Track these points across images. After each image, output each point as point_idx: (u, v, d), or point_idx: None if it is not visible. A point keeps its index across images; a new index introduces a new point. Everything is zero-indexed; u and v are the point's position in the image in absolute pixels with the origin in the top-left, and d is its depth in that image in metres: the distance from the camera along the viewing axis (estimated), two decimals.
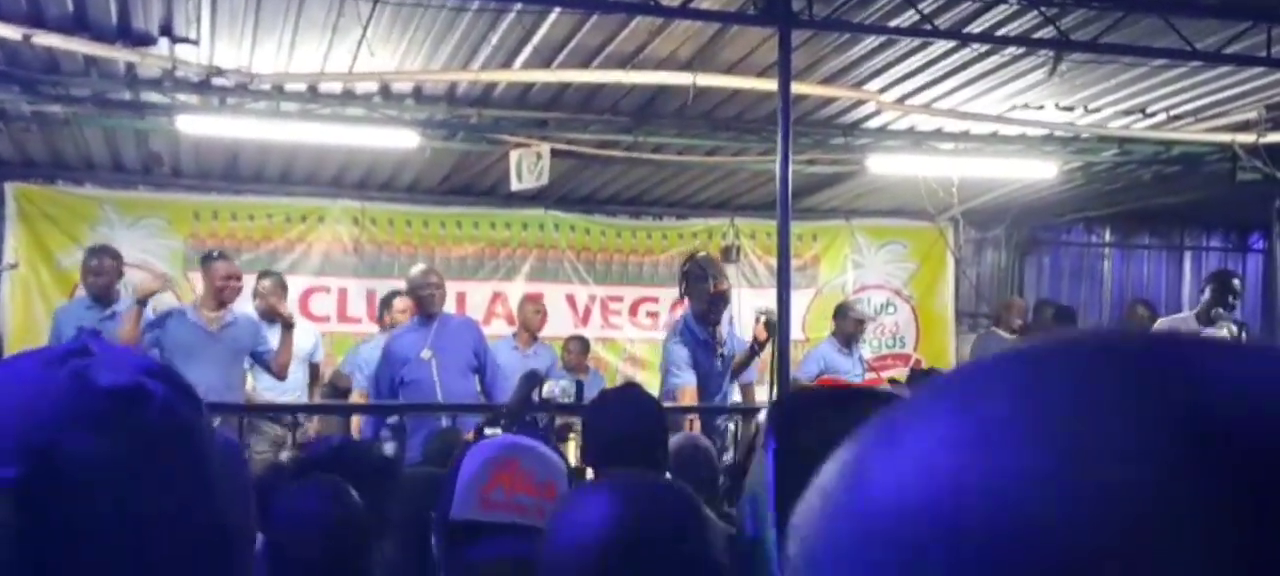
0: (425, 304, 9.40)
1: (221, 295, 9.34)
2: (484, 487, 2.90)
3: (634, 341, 14.03)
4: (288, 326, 9.64)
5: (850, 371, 11.03)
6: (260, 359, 9.49)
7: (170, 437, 1.16)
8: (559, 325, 13.22)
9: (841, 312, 11.40)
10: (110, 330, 8.83)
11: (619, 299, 14.15)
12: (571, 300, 13.89)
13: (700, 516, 2.42)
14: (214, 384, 8.74)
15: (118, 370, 1.15)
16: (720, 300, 8.95)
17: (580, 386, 6.76)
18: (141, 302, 8.93)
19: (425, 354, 9.10)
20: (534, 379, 6.66)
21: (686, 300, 9.07)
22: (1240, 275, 10.40)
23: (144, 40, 8.76)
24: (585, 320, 13.79)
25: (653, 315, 14.06)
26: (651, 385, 12.23)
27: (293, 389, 10.55)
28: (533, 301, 12.28)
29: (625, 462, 3.98)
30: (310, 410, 10.35)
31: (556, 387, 6.67)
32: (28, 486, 1.07)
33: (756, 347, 9.05)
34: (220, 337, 9.20)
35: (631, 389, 5.46)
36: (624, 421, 4.18)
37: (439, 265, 12.99)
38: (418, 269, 9.96)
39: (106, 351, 1.19)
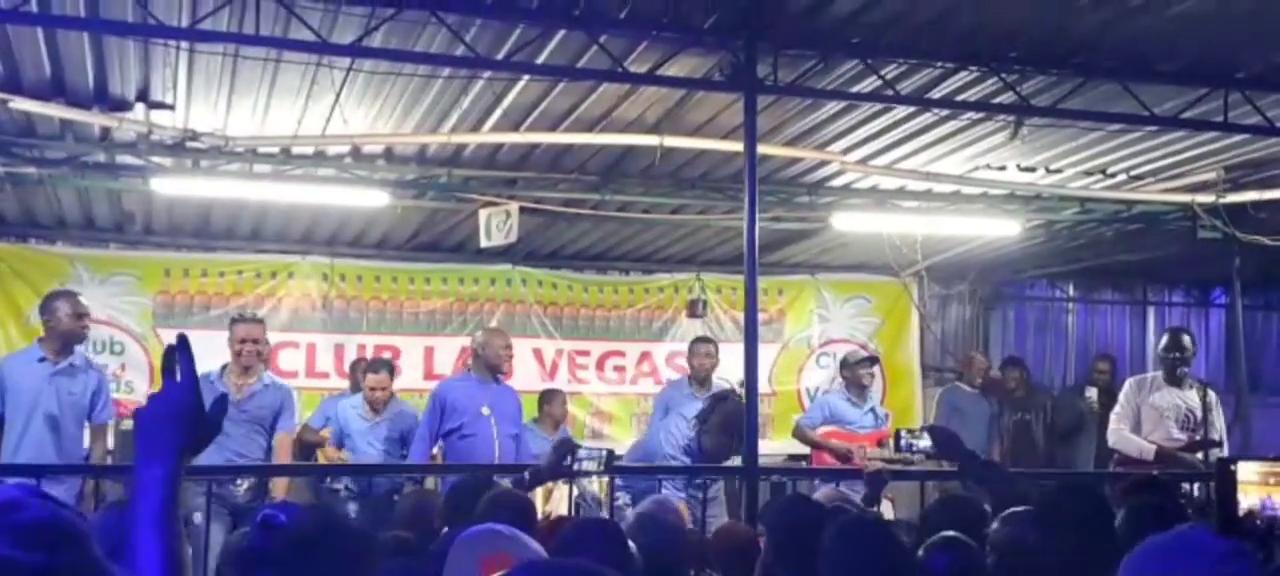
0: (495, 365, 9.59)
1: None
2: None
3: (601, 395, 14.05)
4: None
5: (857, 422, 10.89)
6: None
7: None
8: (526, 379, 13.26)
9: (844, 363, 11.48)
10: (62, 387, 8.45)
11: (586, 353, 14.18)
12: (539, 355, 13.91)
13: None
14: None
15: None
16: None
17: (610, 454, 7.14)
18: None
19: (484, 409, 9.35)
20: (566, 447, 7.05)
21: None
22: (1190, 331, 10.49)
23: (120, 105, 8.80)
24: (552, 374, 13.79)
25: (619, 369, 14.11)
26: (618, 438, 12.38)
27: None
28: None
29: None
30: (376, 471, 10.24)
31: (588, 454, 7.12)
32: None
33: None
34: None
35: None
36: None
37: (407, 320, 13.09)
38: (486, 331, 10.25)
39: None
